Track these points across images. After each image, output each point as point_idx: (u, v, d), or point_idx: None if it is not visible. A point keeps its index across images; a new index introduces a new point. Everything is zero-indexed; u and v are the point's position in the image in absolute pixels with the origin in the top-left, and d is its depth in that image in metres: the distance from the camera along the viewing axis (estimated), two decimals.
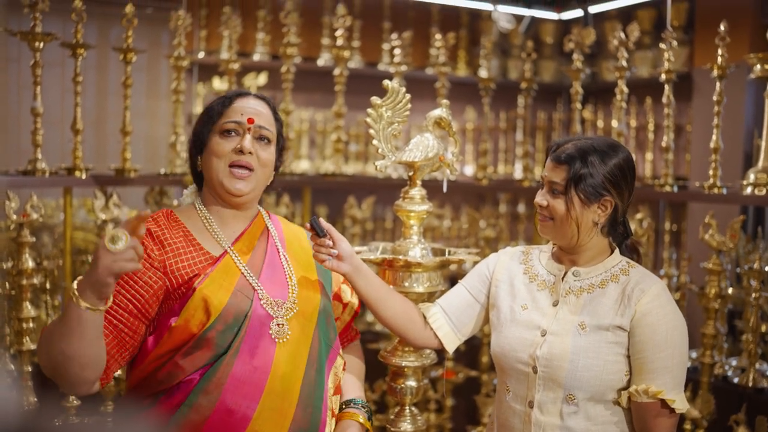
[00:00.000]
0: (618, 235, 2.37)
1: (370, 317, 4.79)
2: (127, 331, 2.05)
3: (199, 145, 2.28)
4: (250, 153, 2.21)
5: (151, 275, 2.09)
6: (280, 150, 2.37)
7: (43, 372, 2.00)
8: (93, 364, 1.96)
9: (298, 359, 2.16)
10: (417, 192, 2.63)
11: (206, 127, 2.26)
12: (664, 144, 3.83)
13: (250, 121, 2.23)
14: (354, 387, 2.43)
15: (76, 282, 1.88)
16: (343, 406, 2.35)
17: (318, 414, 2.18)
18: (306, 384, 2.16)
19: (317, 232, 2.26)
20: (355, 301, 2.55)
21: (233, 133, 2.22)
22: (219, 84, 5.54)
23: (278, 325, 2.15)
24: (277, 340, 2.13)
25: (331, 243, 2.28)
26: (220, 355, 2.05)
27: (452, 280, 2.65)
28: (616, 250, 2.35)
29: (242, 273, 2.18)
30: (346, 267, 2.31)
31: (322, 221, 2.28)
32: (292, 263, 2.32)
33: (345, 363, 2.41)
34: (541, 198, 2.31)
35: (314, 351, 2.22)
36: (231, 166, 2.21)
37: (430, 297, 2.61)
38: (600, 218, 2.26)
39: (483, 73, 4.51)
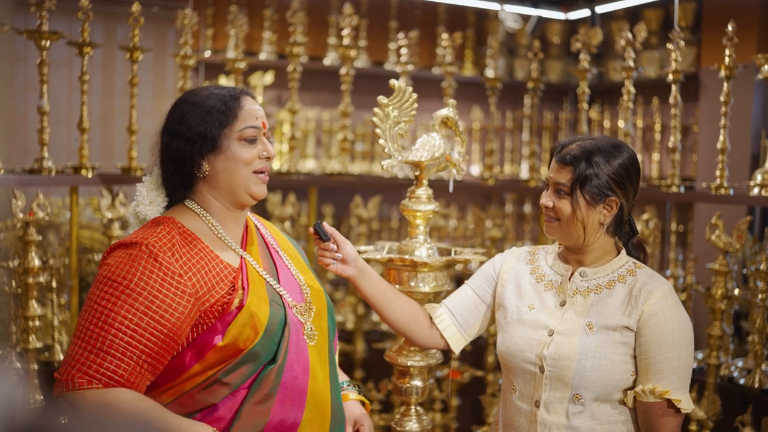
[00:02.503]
0: (624, 234, 2.37)
1: (375, 317, 4.79)
2: (161, 359, 1.97)
3: (204, 147, 2.10)
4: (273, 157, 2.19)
5: (184, 304, 1.97)
6: None
7: None
8: None
9: (323, 358, 2.17)
10: (423, 191, 2.63)
11: (217, 129, 2.10)
12: (670, 144, 3.82)
13: (264, 125, 2.18)
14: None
15: None
16: None
17: (341, 404, 2.23)
18: (333, 380, 2.19)
19: (321, 237, 2.25)
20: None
21: (254, 140, 2.14)
22: (225, 83, 5.54)
23: (309, 328, 2.15)
24: (309, 342, 2.13)
25: (335, 247, 2.28)
26: (267, 366, 2.03)
27: (458, 280, 2.65)
28: (623, 251, 2.35)
29: (266, 280, 2.14)
30: (351, 270, 2.31)
31: (326, 225, 2.27)
32: (293, 263, 2.30)
33: None
34: (546, 199, 2.31)
35: (330, 347, 2.24)
36: (256, 171, 2.15)
37: (436, 297, 2.61)
38: (606, 218, 2.27)
39: (490, 73, 4.51)
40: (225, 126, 2.10)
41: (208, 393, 1.99)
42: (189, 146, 2.10)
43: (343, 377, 2.43)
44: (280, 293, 2.15)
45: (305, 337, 2.13)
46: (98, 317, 1.92)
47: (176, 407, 2.00)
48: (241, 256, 2.14)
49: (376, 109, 2.55)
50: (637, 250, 2.39)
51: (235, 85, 2.25)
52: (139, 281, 1.94)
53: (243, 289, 2.05)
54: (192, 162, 2.10)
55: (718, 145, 3.51)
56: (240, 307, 2.01)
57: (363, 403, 2.39)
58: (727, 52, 3.45)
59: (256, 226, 2.32)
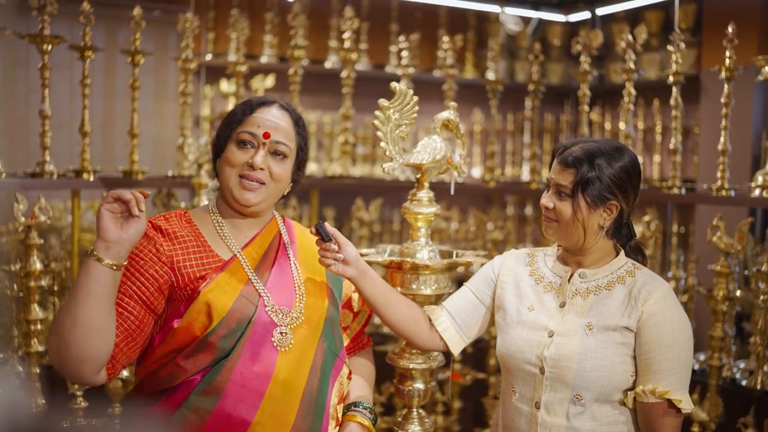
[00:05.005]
0: (622, 237, 2.37)
1: (377, 320, 4.79)
2: (134, 320, 2.03)
3: (217, 149, 2.26)
4: (261, 169, 2.18)
5: (158, 269, 2.09)
6: (300, 163, 2.32)
7: (50, 356, 1.98)
8: (102, 332, 1.94)
9: (300, 367, 2.15)
10: (424, 194, 2.62)
11: (225, 133, 2.24)
12: (671, 146, 3.82)
13: (266, 135, 2.19)
14: (361, 389, 2.42)
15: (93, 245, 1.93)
16: (346, 410, 2.34)
17: (319, 423, 2.17)
18: (308, 392, 2.15)
19: (322, 237, 2.25)
20: (366, 309, 2.53)
21: (248, 145, 2.19)
22: (226, 86, 5.54)
23: (281, 333, 2.13)
24: (279, 347, 2.12)
25: (336, 247, 2.28)
26: (222, 359, 2.06)
27: (459, 283, 2.65)
28: (622, 252, 2.36)
29: (249, 278, 2.17)
30: (352, 271, 2.30)
31: (327, 225, 2.27)
32: (302, 270, 2.30)
33: (350, 372, 2.39)
34: (547, 200, 2.32)
35: (318, 359, 2.21)
36: (241, 176, 2.19)
37: (438, 299, 2.61)
38: (605, 222, 2.27)
39: (490, 75, 4.51)
40: (231, 130, 2.23)
41: (169, 375, 2.06)
42: (213, 146, 2.30)
43: (363, 398, 2.39)
44: (260, 292, 2.16)
45: (273, 340, 2.12)
46: None
47: (148, 384, 2.12)
48: (234, 254, 2.20)
49: (377, 112, 2.56)
50: (636, 253, 2.39)
51: (266, 96, 2.32)
52: (137, 252, 2.10)
53: (211, 279, 2.11)
54: (214, 163, 2.30)
55: (719, 147, 3.51)
56: (199, 293, 2.09)
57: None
58: (727, 53, 3.45)
59: (280, 231, 2.35)
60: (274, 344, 2.12)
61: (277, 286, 2.21)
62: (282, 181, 2.25)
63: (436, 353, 2.66)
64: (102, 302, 1.93)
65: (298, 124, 2.30)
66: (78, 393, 3.28)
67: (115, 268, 1.94)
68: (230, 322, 2.08)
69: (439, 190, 2.90)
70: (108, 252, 1.93)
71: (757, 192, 3.43)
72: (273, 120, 2.22)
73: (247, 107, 2.24)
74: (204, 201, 2.46)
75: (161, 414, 2.05)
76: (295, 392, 2.12)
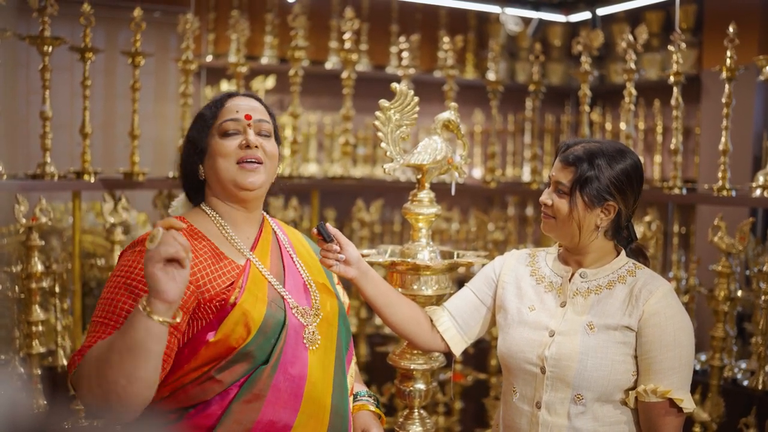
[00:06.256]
0: (622, 239, 2.37)
1: (378, 321, 4.79)
2: (165, 349, 1.90)
3: (198, 152, 2.20)
4: (256, 147, 2.16)
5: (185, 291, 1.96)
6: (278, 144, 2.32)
7: (88, 401, 1.84)
8: (155, 383, 1.84)
9: (326, 364, 2.17)
10: (425, 195, 2.63)
11: (202, 132, 2.19)
12: (672, 146, 3.82)
13: (248, 117, 2.18)
14: (355, 382, 2.46)
15: (143, 299, 1.74)
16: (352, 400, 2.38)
17: (347, 415, 2.21)
18: (336, 388, 2.18)
19: (324, 238, 2.25)
20: (347, 300, 2.53)
21: (234, 133, 2.16)
22: (227, 87, 5.54)
23: (311, 332, 2.15)
24: (309, 347, 2.13)
25: (338, 248, 2.28)
26: (259, 366, 2.03)
27: (461, 283, 2.65)
28: (623, 252, 2.36)
29: (269, 282, 2.15)
30: (354, 272, 2.30)
31: (329, 226, 2.27)
32: (305, 268, 2.31)
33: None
34: (546, 196, 2.33)
35: (339, 354, 2.23)
36: (239, 162, 2.15)
37: (439, 300, 2.61)
38: (602, 222, 2.27)
39: (491, 76, 4.51)
40: (209, 127, 2.20)
41: (201, 389, 2.01)
42: (187, 154, 2.23)
43: (362, 388, 2.45)
44: (283, 295, 2.15)
45: (305, 341, 2.13)
46: (102, 307, 1.95)
47: (172, 401, 2.04)
48: (248, 258, 2.16)
49: (377, 113, 2.56)
50: (637, 256, 2.39)
51: (230, 90, 2.31)
52: (139, 271, 1.96)
53: (240, 287, 2.07)
54: (192, 168, 2.22)
55: (720, 147, 3.51)
56: (234, 305, 2.03)
57: (379, 417, 2.39)
58: (728, 53, 3.45)
59: (274, 230, 2.34)
60: (305, 344, 2.12)
61: (293, 286, 2.21)
62: (275, 158, 2.23)
63: (437, 354, 2.66)
64: (159, 358, 1.81)
65: (266, 106, 2.30)
66: None
67: (173, 321, 1.79)
68: (266, 329, 2.05)
69: (440, 191, 2.90)
70: (169, 311, 1.76)
71: (758, 192, 3.43)
72: (247, 104, 2.22)
73: (216, 102, 2.23)
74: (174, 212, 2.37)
75: (194, 429, 2.00)
76: (326, 390, 2.14)
